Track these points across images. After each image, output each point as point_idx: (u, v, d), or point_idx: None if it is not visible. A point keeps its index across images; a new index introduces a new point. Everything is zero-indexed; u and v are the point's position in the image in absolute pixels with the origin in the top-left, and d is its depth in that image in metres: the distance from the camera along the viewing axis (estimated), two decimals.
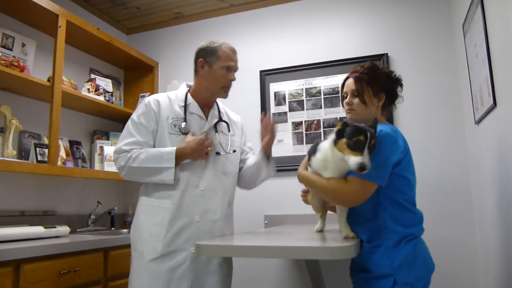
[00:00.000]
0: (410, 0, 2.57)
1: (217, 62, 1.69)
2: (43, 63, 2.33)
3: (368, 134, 1.22)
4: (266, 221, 2.63)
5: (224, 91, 1.74)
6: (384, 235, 1.35)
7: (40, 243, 1.66)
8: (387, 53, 2.54)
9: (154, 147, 1.65)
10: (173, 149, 1.59)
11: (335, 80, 2.64)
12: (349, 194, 1.30)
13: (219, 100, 1.85)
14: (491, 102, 1.64)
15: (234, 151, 1.79)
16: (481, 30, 1.72)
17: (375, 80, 1.49)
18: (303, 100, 2.71)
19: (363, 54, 2.58)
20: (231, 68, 1.72)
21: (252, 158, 1.83)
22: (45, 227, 1.87)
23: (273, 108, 2.76)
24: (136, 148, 1.62)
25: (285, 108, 2.74)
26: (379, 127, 1.36)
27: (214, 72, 1.70)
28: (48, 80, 2.13)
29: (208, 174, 1.67)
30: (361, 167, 1.20)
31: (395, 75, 1.56)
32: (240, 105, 2.85)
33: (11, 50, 2.11)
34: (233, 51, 1.74)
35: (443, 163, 2.35)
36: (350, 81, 1.52)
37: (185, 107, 1.71)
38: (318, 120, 2.65)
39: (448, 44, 2.44)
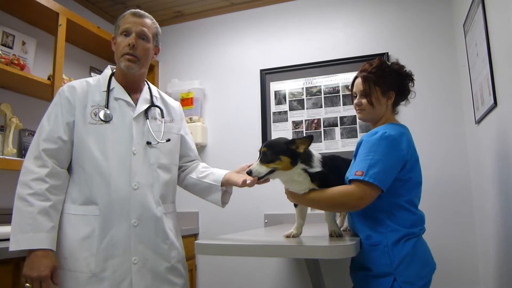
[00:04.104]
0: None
1: (118, 31, 1.47)
2: (43, 61, 2.33)
3: (263, 145, 1.36)
4: (266, 220, 2.63)
5: (125, 59, 1.45)
6: (383, 234, 1.35)
7: None
8: (387, 52, 2.54)
9: (72, 145, 1.40)
10: (34, 244, 1.26)
11: (336, 79, 2.64)
12: (352, 196, 1.30)
13: (167, 92, 1.68)
14: (492, 101, 1.64)
15: (168, 140, 1.53)
16: (482, 30, 1.72)
17: (384, 79, 1.46)
18: (303, 99, 2.70)
19: (364, 53, 2.58)
20: (129, 31, 1.44)
21: (211, 176, 1.58)
22: None
23: (273, 107, 2.76)
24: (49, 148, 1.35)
25: (285, 107, 2.74)
26: (385, 128, 1.37)
27: (117, 44, 1.48)
28: (48, 79, 2.13)
29: (140, 168, 1.42)
30: (247, 171, 1.33)
31: (405, 70, 1.51)
32: (240, 104, 2.86)
33: (11, 48, 2.11)
34: (133, 14, 1.47)
35: (443, 162, 2.35)
36: (359, 81, 1.50)
37: (108, 92, 1.47)
38: (319, 119, 2.64)
39: (449, 43, 2.44)
